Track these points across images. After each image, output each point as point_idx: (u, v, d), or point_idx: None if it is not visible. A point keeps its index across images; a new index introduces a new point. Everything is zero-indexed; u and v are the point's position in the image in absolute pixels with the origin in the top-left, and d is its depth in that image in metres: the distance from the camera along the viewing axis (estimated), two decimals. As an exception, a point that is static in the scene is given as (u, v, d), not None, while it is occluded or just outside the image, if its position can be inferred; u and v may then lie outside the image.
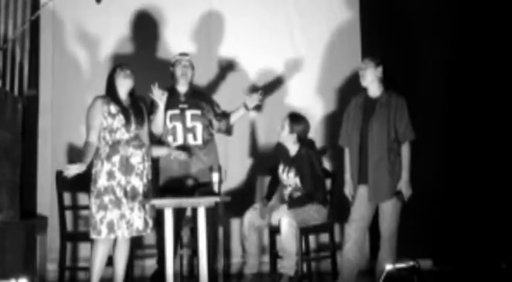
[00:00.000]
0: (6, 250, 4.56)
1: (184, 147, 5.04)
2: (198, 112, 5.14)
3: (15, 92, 5.34)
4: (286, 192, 5.21)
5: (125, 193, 4.48)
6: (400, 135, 4.81)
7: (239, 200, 5.57)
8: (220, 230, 5.06)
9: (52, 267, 5.56)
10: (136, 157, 4.55)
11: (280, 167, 5.23)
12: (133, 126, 4.57)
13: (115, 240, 4.56)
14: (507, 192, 5.65)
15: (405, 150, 4.81)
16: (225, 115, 5.27)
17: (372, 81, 4.87)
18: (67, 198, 5.48)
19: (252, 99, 5.18)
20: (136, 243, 5.34)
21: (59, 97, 5.89)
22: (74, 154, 5.60)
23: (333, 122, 5.88)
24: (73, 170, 4.36)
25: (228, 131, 5.32)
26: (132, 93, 4.66)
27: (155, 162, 4.98)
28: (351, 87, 5.63)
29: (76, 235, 5.54)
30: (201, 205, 4.55)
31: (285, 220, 4.89)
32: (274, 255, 5.17)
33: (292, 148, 5.18)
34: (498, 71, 5.81)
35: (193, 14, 6.04)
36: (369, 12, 6.02)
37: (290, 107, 5.73)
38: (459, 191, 5.76)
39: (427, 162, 5.54)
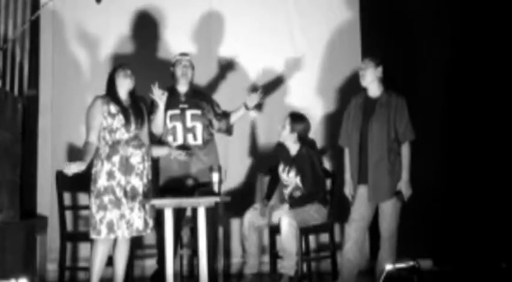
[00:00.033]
0: (6, 250, 4.56)
1: (184, 147, 5.04)
2: (198, 112, 5.14)
3: (15, 92, 5.34)
4: (287, 191, 5.21)
5: (125, 193, 4.48)
6: (400, 135, 4.81)
7: (239, 200, 5.57)
8: (220, 230, 5.07)
9: (52, 267, 5.56)
10: (136, 157, 4.55)
11: (281, 167, 5.23)
12: (133, 126, 4.57)
13: (115, 240, 4.55)
14: (507, 192, 5.65)
15: (405, 150, 4.81)
16: (225, 115, 5.27)
17: (371, 81, 4.87)
18: (67, 198, 5.48)
19: (251, 98, 5.18)
20: (136, 243, 5.34)
21: (59, 97, 5.89)
22: (74, 154, 5.59)
23: (332, 122, 5.88)
24: (73, 168, 4.36)
25: (229, 130, 5.32)
26: (132, 93, 4.66)
27: (155, 162, 4.98)
28: (351, 87, 5.63)
29: (76, 235, 5.54)
30: (201, 205, 4.55)
31: (285, 220, 4.89)
32: (274, 255, 5.17)
33: (293, 147, 5.18)
34: (498, 71, 5.81)
35: (194, 14, 6.04)
36: (369, 12, 6.02)
37: (290, 107, 5.73)
38: (459, 191, 5.76)
39: (427, 162, 5.54)
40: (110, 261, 4.61)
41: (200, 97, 5.24)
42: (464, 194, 5.74)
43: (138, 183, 4.53)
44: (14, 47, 5.37)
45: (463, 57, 5.89)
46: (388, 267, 4.23)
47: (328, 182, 5.31)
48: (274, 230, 5.09)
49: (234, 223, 5.80)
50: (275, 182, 5.35)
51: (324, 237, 5.55)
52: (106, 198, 4.45)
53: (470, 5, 5.89)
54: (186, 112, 5.12)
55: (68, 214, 5.40)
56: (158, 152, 4.99)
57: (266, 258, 5.41)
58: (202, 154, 5.11)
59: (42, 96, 5.85)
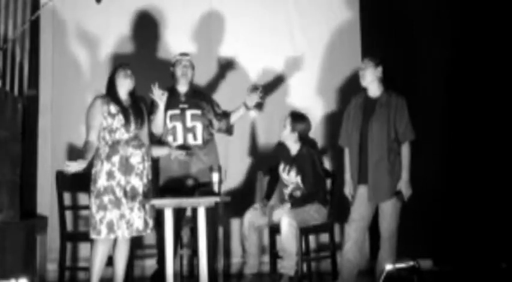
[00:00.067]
0: (6, 250, 4.56)
1: (185, 147, 5.04)
2: (198, 112, 5.14)
3: (15, 92, 5.34)
4: (287, 191, 5.21)
5: (125, 193, 4.48)
6: (400, 135, 4.81)
7: (239, 200, 5.57)
8: (220, 230, 5.07)
9: (52, 267, 5.56)
10: (136, 157, 4.55)
11: (281, 166, 5.23)
12: (132, 126, 4.57)
13: (115, 240, 4.55)
14: (507, 192, 5.65)
15: (405, 150, 4.81)
16: (226, 115, 5.27)
17: (371, 81, 4.87)
18: (67, 198, 5.48)
19: (251, 98, 5.18)
20: (136, 243, 5.34)
21: (59, 97, 5.89)
22: (74, 154, 5.58)
23: (333, 121, 5.88)
24: (73, 167, 4.35)
25: (229, 130, 5.32)
26: (132, 93, 4.66)
27: (155, 162, 4.99)
28: (351, 87, 5.63)
29: (76, 235, 5.54)
30: (201, 205, 4.55)
31: (285, 220, 4.89)
32: (274, 255, 5.17)
33: (293, 147, 5.18)
34: (498, 71, 5.81)
35: (194, 14, 6.04)
36: (369, 12, 6.02)
37: (290, 107, 5.73)
38: (459, 191, 5.76)
39: (427, 162, 5.54)
40: (110, 261, 4.61)
41: (200, 97, 5.24)
42: (464, 194, 5.74)
43: (138, 183, 4.53)
44: (14, 47, 5.37)
45: (463, 57, 5.89)
46: (388, 267, 4.23)
47: (328, 182, 5.31)
48: (274, 230, 5.09)
49: (234, 223, 5.80)
50: (275, 181, 5.35)
51: (324, 237, 5.55)
52: (106, 198, 4.45)
53: (470, 5, 5.89)
54: (186, 112, 5.12)
55: (68, 214, 5.40)
56: (158, 152, 4.99)
57: (266, 258, 5.41)
58: (202, 154, 5.11)
59: (42, 96, 5.85)
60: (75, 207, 5.66)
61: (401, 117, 4.81)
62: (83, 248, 5.59)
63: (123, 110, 4.56)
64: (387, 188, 4.77)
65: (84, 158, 4.42)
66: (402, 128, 4.80)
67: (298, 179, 5.13)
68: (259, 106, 5.70)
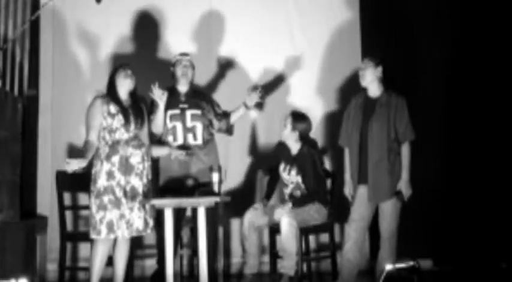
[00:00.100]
0: (6, 250, 4.56)
1: (185, 147, 5.04)
2: (198, 112, 5.14)
3: (15, 92, 5.34)
4: (287, 190, 5.21)
5: (125, 193, 4.48)
6: (400, 135, 4.81)
7: (239, 200, 5.58)
8: (220, 230, 5.07)
9: (52, 267, 5.56)
10: (136, 157, 4.55)
11: (282, 166, 5.23)
12: (132, 126, 4.57)
13: (115, 240, 4.55)
14: (507, 192, 5.65)
15: (405, 150, 4.81)
16: (226, 115, 5.27)
17: (371, 81, 4.87)
18: (67, 198, 5.48)
19: (251, 97, 5.18)
20: (136, 243, 5.34)
21: (59, 97, 5.90)
22: (74, 154, 5.57)
23: (333, 121, 5.88)
24: (74, 165, 4.35)
25: (229, 130, 5.32)
26: (133, 94, 4.66)
27: (155, 162, 4.99)
28: (351, 87, 5.63)
29: (76, 235, 5.54)
30: (201, 205, 4.55)
31: (285, 220, 4.89)
32: (274, 255, 5.17)
33: (294, 146, 5.18)
34: (498, 71, 5.81)
35: (194, 13, 6.04)
36: (369, 12, 6.02)
37: (290, 107, 5.73)
38: (459, 191, 5.76)
39: (427, 162, 5.54)
40: (110, 261, 4.61)
41: (200, 97, 5.24)
42: (464, 194, 5.74)
43: (138, 183, 4.53)
44: (14, 47, 5.37)
45: (463, 57, 5.89)
46: (388, 267, 4.23)
47: (328, 182, 5.31)
48: (274, 230, 5.09)
49: (234, 223, 5.80)
50: (275, 181, 5.36)
51: (324, 237, 5.55)
52: (106, 198, 4.45)
53: (470, 5, 5.89)
54: (186, 112, 5.12)
55: (68, 214, 5.40)
56: (158, 152, 5.00)
57: (266, 258, 5.41)
58: (203, 154, 5.11)
59: (42, 96, 5.85)
60: (75, 207, 5.67)
61: (401, 117, 4.81)
62: (83, 248, 5.59)
63: (123, 110, 4.56)
64: (387, 188, 4.77)
65: (84, 157, 4.42)
66: (402, 128, 4.80)
67: (299, 179, 5.13)
68: (259, 105, 5.70)
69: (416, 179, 4.86)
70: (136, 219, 4.50)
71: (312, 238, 5.58)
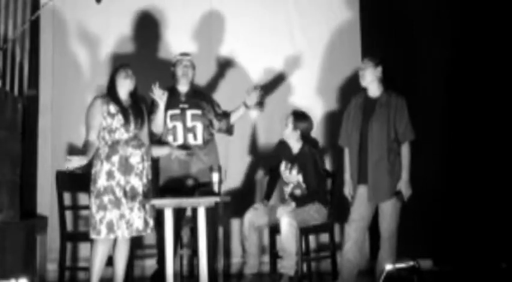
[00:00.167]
0: (6, 250, 4.56)
1: (185, 147, 5.04)
2: (198, 112, 5.15)
3: (15, 92, 5.34)
4: (287, 189, 5.21)
5: (124, 193, 4.48)
6: (400, 135, 4.81)
7: (239, 200, 5.58)
8: (220, 230, 5.07)
9: (52, 267, 5.56)
10: (136, 157, 4.55)
11: (283, 165, 5.23)
12: (132, 126, 4.57)
13: (115, 240, 4.56)
14: (507, 192, 5.65)
15: (405, 150, 4.81)
16: (226, 115, 5.27)
17: (371, 81, 4.87)
18: (67, 198, 5.48)
19: (251, 97, 5.18)
20: (136, 243, 5.34)
21: (59, 97, 5.89)
22: (74, 154, 5.52)
23: (333, 121, 5.88)
24: (74, 162, 4.34)
25: (229, 130, 5.32)
26: (133, 94, 4.66)
27: (155, 162, 4.99)
28: (351, 87, 5.63)
29: (76, 235, 5.54)
30: (201, 205, 4.55)
31: (285, 220, 4.90)
32: (274, 255, 5.17)
33: (295, 145, 5.19)
34: (498, 71, 5.81)
35: (194, 13, 6.04)
36: (369, 12, 6.02)
37: (290, 107, 5.73)
38: (459, 191, 5.76)
39: (427, 162, 5.54)
40: (110, 261, 4.61)
41: (200, 97, 5.24)
42: (464, 194, 5.74)
43: (138, 183, 4.53)
44: (14, 47, 5.37)
45: (463, 57, 5.89)
46: (388, 267, 4.23)
47: (328, 182, 5.31)
48: (274, 230, 5.09)
49: (234, 223, 5.80)
50: (275, 181, 5.36)
51: (324, 237, 5.55)
52: (106, 198, 4.45)
53: (470, 5, 5.89)
54: (186, 112, 5.12)
55: (68, 214, 5.39)
56: (159, 151, 5.00)
57: (266, 258, 5.41)
58: (203, 154, 5.11)
59: (42, 96, 5.85)
60: (75, 207, 5.67)
61: (401, 117, 4.81)
62: (83, 248, 5.59)
63: (123, 110, 4.57)
64: (387, 188, 4.77)
65: (84, 155, 4.42)
66: (402, 128, 4.80)
67: (300, 178, 5.14)
68: (260, 105, 5.70)
69: (416, 179, 4.86)
70: (136, 219, 4.50)
71: (312, 238, 5.57)
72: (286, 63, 6.06)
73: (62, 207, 5.15)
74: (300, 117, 5.19)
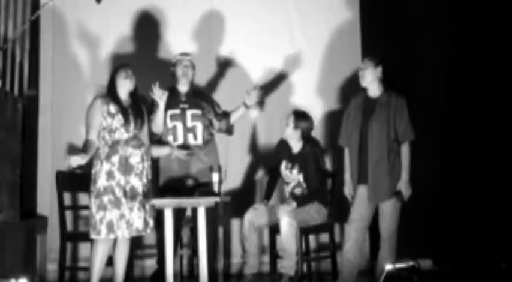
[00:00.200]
0: (6, 250, 4.56)
1: (185, 147, 5.05)
2: (198, 112, 5.15)
3: (15, 92, 5.34)
4: (288, 189, 5.21)
5: (124, 193, 4.48)
6: (400, 135, 4.81)
7: (239, 200, 5.59)
8: (220, 230, 5.07)
9: (52, 267, 5.56)
10: (136, 157, 4.55)
11: (283, 164, 5.23)
12: (132, 126, 4.57)
13: (115, 240, 4.56)
14: (507, 192, 5.65)
15: (405, 150, 4.81)
16: (226, 115, 5.27)
17: (371, 81, 4.87)
18: (67, 198, 5.48)
19: (250, 97, 5.19)
20: (136, 243, 5.34)
21: (59, 97, 5.89)
22: (74, 153, 5.58)
23: (333, 121, 5.88)
24: (75, 161, 4.34)
25: (229, 130, 5.33)
26: (133, 94, 4.66)
27: (155, 162, 4.99)
28: (351, 87, 5.63)
29: (76, 235, 5.54)
30: (201, 205, 4.55)
31: (285, 220, 4.90)
32: (274, 255, 5.17)
33: (296, 145, 5.19)
34: (498, 71, 5.81)
35: (194, 13, 6.04)
36: (369, 12, 6.02)
37: (290, 107, 5.73)
38: (459, 191, 5.76)
39: (427, 162, 5.54)
40: (110, 261, 4.61)
41: (200, 97, 5.25)
42: (464, 194, 5.74)
43: (138, 183, 4.53)
44: (14, 47, 5.37)
45: (463, 57, 5.89)
46: (388, 267, 4.22)
47: (328, 182, 5.31)
48: (274, 230, 5.09)
49: (234, 223, 5.80)
50: (274, 181, 5.36)
51: (324, 237, 5.55)
52: (106, 198, 4.45)
53: (470, 5, 5.89)
54: (186, 112, 5.12)
55: (68, 214, 5.39)
56: (159, 151, 5.00)
57: (266, 258, 5.41)
58: (203, 154, 5.11)
59: (42, 96, 5.85)
60: (75, 207, 5.67)
61: (401, 117, 4.81)
62: (83, 248, 5.59)
63: (123, 110, 4.57)
64: (387, 188, 4.77)
65: (85, 153, 4.42)
66: (402, 128, 4.80)
67: (300, 177, 5.14)
68: (261, 104, 5.69)
69: (416, 179, 4.86)
70: (136, 219, 4.50)
71: (312, 238, 5.57)
72: (286, 63, 6.06)
73: (62, 207, 5.15)
74: (300, 116, 5.20)
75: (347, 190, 4.97)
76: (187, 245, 5.48)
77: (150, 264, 5.57)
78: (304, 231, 5.04)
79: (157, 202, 4.57)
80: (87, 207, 4.78)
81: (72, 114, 5.78)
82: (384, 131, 4.78)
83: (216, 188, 4.67)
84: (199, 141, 5.12)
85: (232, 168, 5.65)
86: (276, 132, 5.66)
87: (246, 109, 5.25)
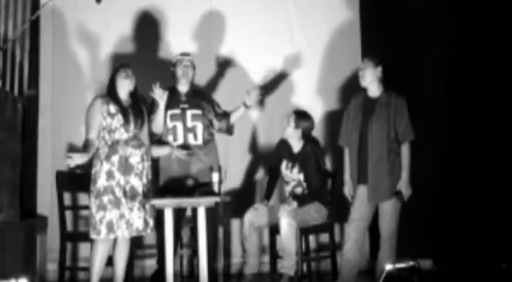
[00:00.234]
0: (6, 250, 4.56)
1: (185, 147, 5.05)
2: (198, 112, 5.15)
3: (15, 92, 5.34)
4: (288, 188, 5.21)
5: (124, 193, 4.48)
6: (400, 135, 4.81)
7: (239, 200, 5.59)
8: (220, 230, 5.07)
9: (52, 267, 5.56)
10: (136, 157, 4.55)
11: (284, 163, 5.22)
12: (132, 126, 4.57)
13: (115, 240, 4.56)
14: (507, 192, 5.65)
15: (405, 150, 4.81)
16: (226, 115, 5.27)
17: (371, 81, 4.87)
18: (67, 198, 5.48)
19: (250, 97, 5.18)
20: (136, 243, 5.34)
21: (59, 97, 5.89)
22: (74, 153, 5.59)
23: (333, 121, 5.88)
24: (75, 160, 4.34)
25: (229, 130, 5.33)
26: (133, 94, 4.66)
27: (155, 162, 4.99)
28: (351, 87, 5.63)
29: (76, 235, 5.54)
30: (201, 205, 4.55)
31: (285, 220, 4.90)
32: (274, 255, 5.17)
33: (297, 144, 5.19)
34: (498, 71, 5.81)
35: (194, 13, 6.04)
36: (369, 12, 6.02)
37: (290, 107, 5.73)
38: (459, 191, 5.76)
39: (427, 162, 5.54)
40: (110, 261, 4.61)
41: (200, 97, 5.25)
42: (464, 194, 5.74)
43: (138, 183, 4.53)
44: (14, 47, 5.37)
45: (463, 57, 5.89)
46: (388, 267, 4.22)
47: (328, 182, 5.31)
48: (274, 230, 5.09)
49: (234, 223, 5.80)
50: (274, 181, 5.36)
51: (324, 237, 5.55)
52: (105, 198, 4.45)
53: (470, 5, 5.89)
54: (186, 112, 5.12)
55: (68, 214, 5.40)
56: (159, 151, 5.00)
57: (266, 258, 5.41)
58: (203, 154, 5.11)
59: (42, 96, 5.85)
60: (75, 207, 5.67)
61: (401, 117, 4.81)
62: (83, 248, 5.59)
63: (123, 110, 4.57)
64: (387, 188, 4.77)
65: (85, 153, 4.42)
66: (402, 128, 4.80)
67: (301, 177, 5.14)
68: (261, 103, 5.69)
69: (416, 179, 4.86)
70: (136, 219, 4.50)
71: (312, 238, 5.57)
72: (286, 63, 6.06)
73: (62, 207, 5.15)
74: (301, 116, 5.20)
75: (347, 190, 4.97)
76: (187, 245, 5.48)
77: (150, 264, 5.57)
78: (304, 231, 5.04)
79: (157, 202, 4.57)
80: (87, 207, 4.78)
81: (72, 114, 5.78)
82: (384, 131, 4.78)
83: (216, 188, 4.67)
84: (199, 141, 5.12)
85: (232, 168, 5.65)
86: (276, 132, 5.66)
87: (246, 109, 5.25)
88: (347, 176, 4.97)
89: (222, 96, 5.64)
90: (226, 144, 5.71)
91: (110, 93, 4.62)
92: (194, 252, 5.27)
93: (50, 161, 5.77)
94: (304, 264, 5.07)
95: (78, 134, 5.54)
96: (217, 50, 6.05)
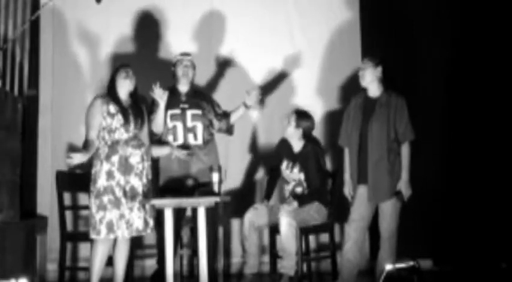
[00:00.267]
0: (6, 250, 4.56)
1: (185, 147, 5.05)
2: (198, 112, 5.15)
3: (15, 92, 5.34)
4: (288, 188, 5.21)
5: (124, 193, 4.48)
6: (400, 135, 4.81)
7: (239, 200, 5.59)
8: (220, 230, 5.07)
9: (52, 267, 5.56)
10: (136, 157, 4.55)
11: (284, 163, 5.22)
12: (132, 126, 4.57)
13: (115, 240, 4.56)
14: (507, 192, 5.65)
15: (405, 150, 4.81)
16: (226, 115, 5.28)
17: (371, 81, 4.87)
18: (67, 198, 5.48)
19: (250, 97, 5.19)
20: (136, 243, 5.34)
21: (59, 97, 5.90)
22: (75, 152, 5.59)
23: (333, 121, 5.88)
24: (76, 159, 4.34)
25: (229, 130, 5.33)
26: (133, 94, 4.66)
27: (155, 162, 4.99)
28: (351, 87, 5.63)
29: (76, 235, 5.54)
30: (201, 205, 4.55)
31: (285, 220, 4.90)
32: (274, 255, 5.17)
33: (297, 144, 5.19)
34: (498, 71, 5.81)
35: (194, 13, 6.04)
36: (369, 12, 6.02)
37: (290, 107, 5.73)
38: (459, 191, 5.76)
39: (427, 162, 5.54)
40: (110, 261, 4.62)
41: (201, 97, 5.25)
42: (464, 194, 5.75)
43: (138, 183, 4.53)
44: (14, 47, 5.37)
45: (463, 57, 5.89)
46: (388, 267, 4.23)
47: (329, 182, 5.31)
48: (274, 230, 5.09)
49: (234, 223, 5.80)
50: (274, 181, 5.36)
51: (324, 237, 5.55)
52: (105, 198, 4.45)
53: (470, 5, 5.89)
54: (186, 112, 5.12)
55: (68, 214, 5.40)
56: (159, 151, 5.00)
57: (266, 258, 5.42)
58: (203, 154, 5.11)
59: (42, 96, 5.85)
60: (75, 207, 5.67)
61: (401, 117, 4.81)
62: (83, 248, 5.59)
63: (123, 110, 4.57)
64: (387, 188, 4.77)
65: (85, 152, 4.42)
66: (402, 128, 4.80)
67: (301, 176, 5.14)
68: (261, 103, 5.70)
69: (416, 179, 4.86)
70: (136, 219, 4.50)
71: (312, 238, 5.58)
72: (286, 63, 6.06)
73: (62, 207, 5.15)
74: (302, 115, 5.20)
75: (347, 190, 4.97)
76: (187, 245, 5.48)
77: (150, 264, 5.57)
78: (304, 231, 5.04)
79: (157, 202, 4.57)
80: (87, 207, 4.78)
81: (72, 114, 5.78)
82: (383, 131, 4.78)
83: (216, 188, 4.67)
84: (199, 141, 5.12)
85: (232, 168, 5.66)
86: (276, 132, 5.66)
87: (246, 109, 5.25)
88: (347, 176, 4.97)
89: (222, 96, 5.64)
90: (226, 144, 5.71)
91: (110, 93, 4.62)
92: (194, 252, 5.27)
93: (50, 161, 5.77)
94: (304, 264, 5.07)
95: (78, 134, 5.54)
96: (217, 50, 6.05)
